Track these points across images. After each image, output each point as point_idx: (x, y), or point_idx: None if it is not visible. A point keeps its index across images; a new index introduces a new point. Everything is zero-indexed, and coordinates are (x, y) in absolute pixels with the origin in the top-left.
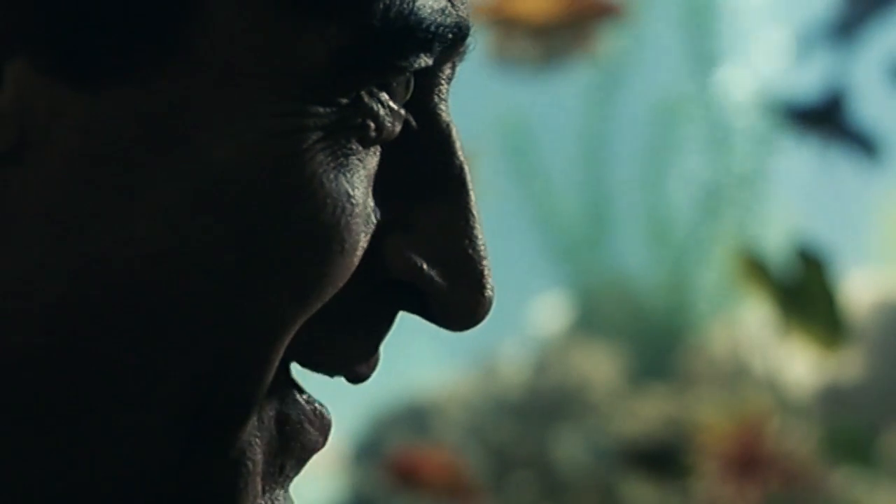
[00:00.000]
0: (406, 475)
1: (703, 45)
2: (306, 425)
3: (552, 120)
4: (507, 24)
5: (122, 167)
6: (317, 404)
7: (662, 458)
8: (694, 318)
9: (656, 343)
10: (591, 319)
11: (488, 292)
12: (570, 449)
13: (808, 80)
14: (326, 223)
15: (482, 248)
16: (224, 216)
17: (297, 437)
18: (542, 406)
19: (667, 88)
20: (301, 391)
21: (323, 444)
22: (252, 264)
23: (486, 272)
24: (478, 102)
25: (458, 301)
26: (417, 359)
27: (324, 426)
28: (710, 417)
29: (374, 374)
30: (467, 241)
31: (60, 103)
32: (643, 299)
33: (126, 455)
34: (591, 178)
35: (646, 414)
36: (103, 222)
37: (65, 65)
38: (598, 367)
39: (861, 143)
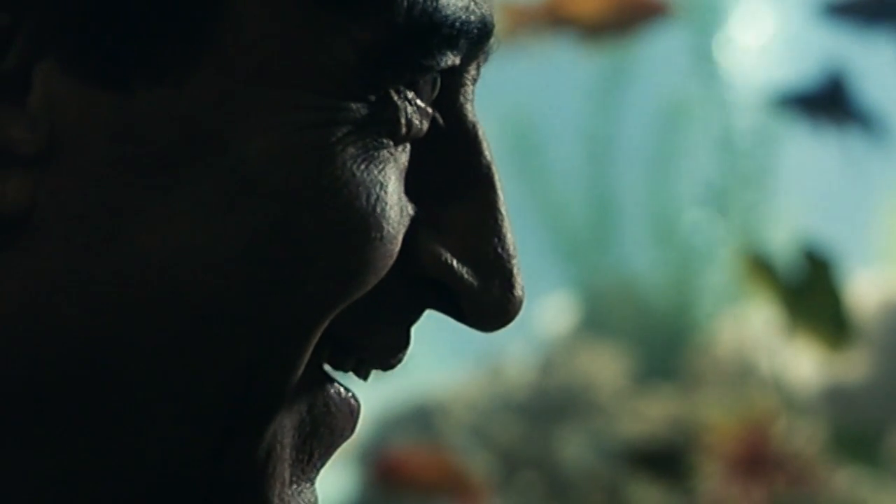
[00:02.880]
0: (400, 477)
1: (708, 44)
2: (332, 409)
3: (558, 120)
4: (556, 24)
5: (156, 167)
6: (342, 390)
7: (668, 459)
8: (700, 319)
9: (662, 343)
10: (597, 320)
11: (518, 291)
12: (575, 449)
13: (811, 68)
14: (362, 211)
15: (511, 246)
16: (260, 210)
17: (325, 421)
18: (547, 406)
19: (673, 88)
20: (330, 379)
21: (351, 432)
22: (291, 256)
23: (515, 271)
24: (483, 101)
25: (489, 300)
26: (423, 359)
27: (351, 412)
28: (716, 417)
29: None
30: (497, 240)
31: (91, 105)
32: (649, 300)
33: (165, 445)
34: (596, 178)
35: (651, 414)
36: (138, 222)
37: (95, 67)
38: (604, 368)
39: (866, 123)
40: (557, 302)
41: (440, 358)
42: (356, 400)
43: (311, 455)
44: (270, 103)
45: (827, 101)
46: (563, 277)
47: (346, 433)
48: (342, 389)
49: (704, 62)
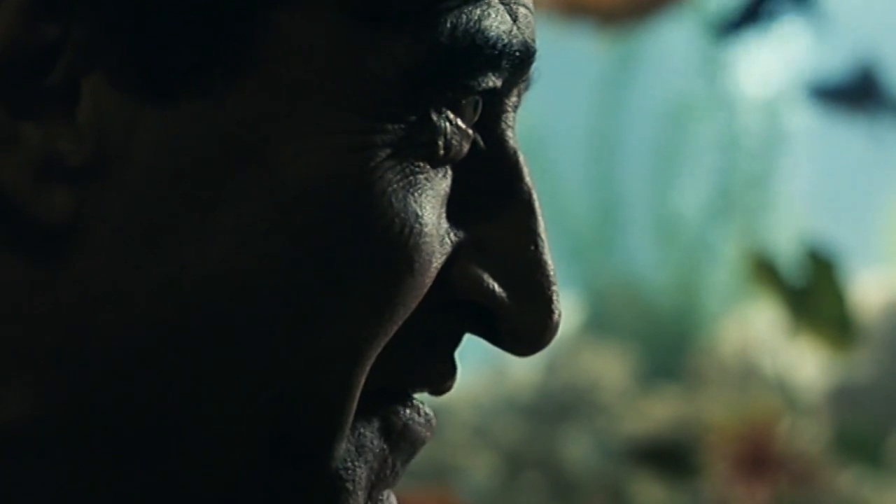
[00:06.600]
0: None
1: (714, 44)
2: (412, 426)
3: (562, 120)
4: (572, 12)
5: (197, 183)
6: (416, 403)
7: (672, 459)
8: (704, 319)
9: (666, 344)
10: (602, 320)
11: (556, 316)
12: (579, 449)
13: (834, 61)
14: (394, 243)
15: (551, 272)
16: (298, 234)
17: (405, 438)
18: (552, 406)
19: (677, 89)
20: (403, 403)
21: (430, 435)
22: (325, 283)
23: (555, 297)
24: None
25: (528, 324)
26: None
27: (429, 421)
28: (720, 418)
29: None
30: (537, 266)
31: (137, 118)
32: (653, 300)
33: (206, 473)
34: (601, 178)
35: (655, 414)
36: (179, 239)
37: (142, 79)
38: (609, 368)
39: None
40: (562, 302)
41: None
42: (429, 410)
43: (394, 467)
44: (310, 124)
45: (857, 91)
46: (568, 278)
47: (425, 438)
48: (416, 403)
49: (709, 61)
